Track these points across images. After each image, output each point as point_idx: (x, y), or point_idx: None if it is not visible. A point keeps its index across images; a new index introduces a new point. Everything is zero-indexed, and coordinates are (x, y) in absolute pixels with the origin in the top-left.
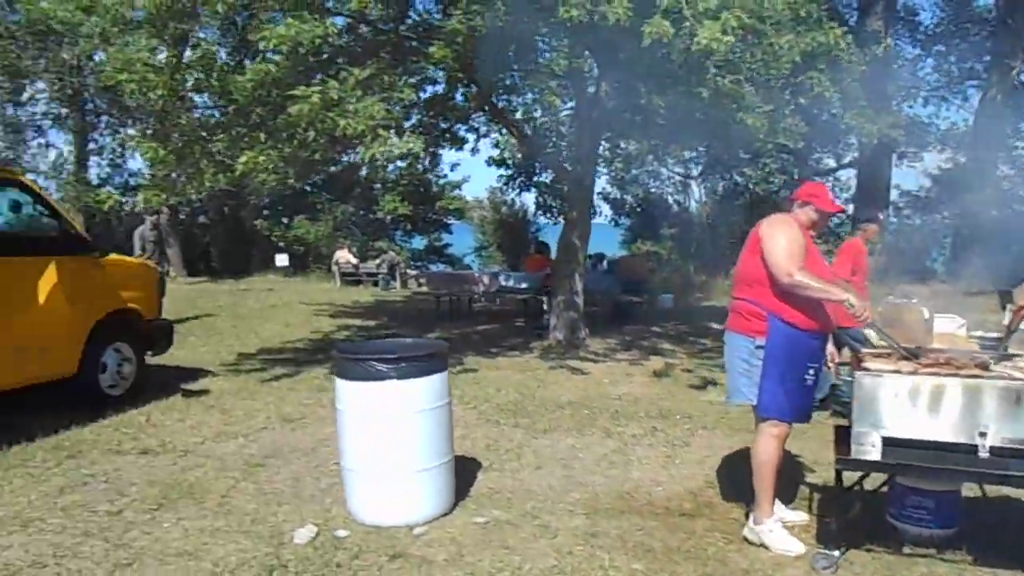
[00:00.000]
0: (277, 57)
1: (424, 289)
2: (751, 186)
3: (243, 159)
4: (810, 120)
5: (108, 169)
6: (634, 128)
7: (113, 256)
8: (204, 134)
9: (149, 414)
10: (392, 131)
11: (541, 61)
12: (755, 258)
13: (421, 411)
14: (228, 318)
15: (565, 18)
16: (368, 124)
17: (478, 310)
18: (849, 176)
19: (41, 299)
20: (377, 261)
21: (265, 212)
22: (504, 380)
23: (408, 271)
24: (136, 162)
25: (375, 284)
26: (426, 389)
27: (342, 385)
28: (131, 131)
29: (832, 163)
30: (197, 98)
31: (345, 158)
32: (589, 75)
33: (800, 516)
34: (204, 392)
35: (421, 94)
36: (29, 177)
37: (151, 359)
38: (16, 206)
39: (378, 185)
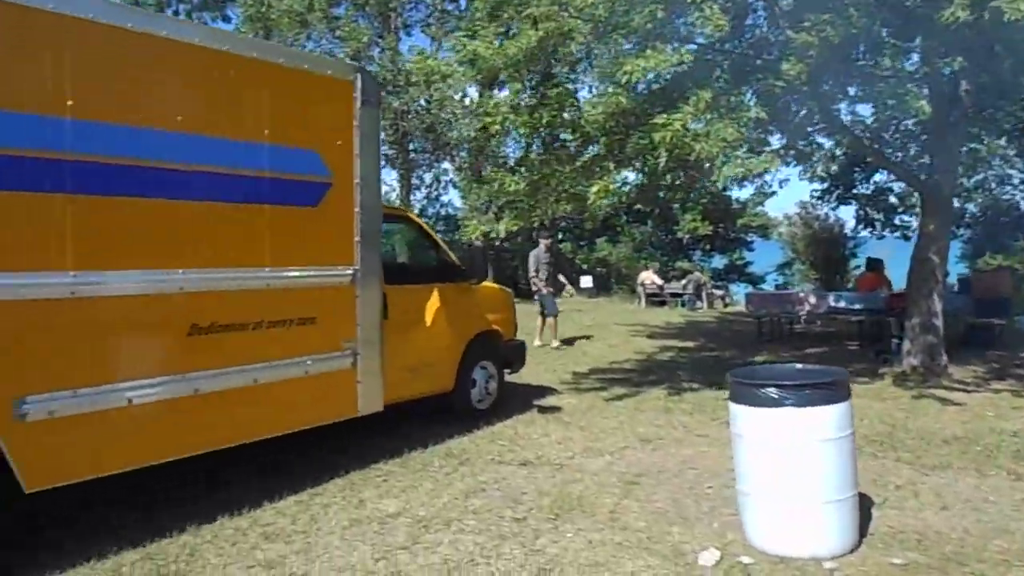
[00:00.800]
0: (609, 88)
1: (731, 308)
2: None
3: (595, 188)
4: None
5: (424, 201)
6: (995, 126)
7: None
8: (557, 167)
9: (515, 427)
10: (741, 151)
11: (885, 65)
12: None
13: (824, 441)
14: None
15: (949, 21)
16: (720, 146)
17: (799, 332)
18: None
19: (429, 321)
20: (683, 281)
21: (560, 235)
22: (864, 409)
23: (713, 291)
24: (447, 195)
25: (680, 304)
26: (829, 418)
27: (737, 410)
28: (446, 165)
29: None
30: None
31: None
32: (947, 75)
33: None
34: (557, 408)
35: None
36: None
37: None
38: (407, 239)
39: (676, 205)
